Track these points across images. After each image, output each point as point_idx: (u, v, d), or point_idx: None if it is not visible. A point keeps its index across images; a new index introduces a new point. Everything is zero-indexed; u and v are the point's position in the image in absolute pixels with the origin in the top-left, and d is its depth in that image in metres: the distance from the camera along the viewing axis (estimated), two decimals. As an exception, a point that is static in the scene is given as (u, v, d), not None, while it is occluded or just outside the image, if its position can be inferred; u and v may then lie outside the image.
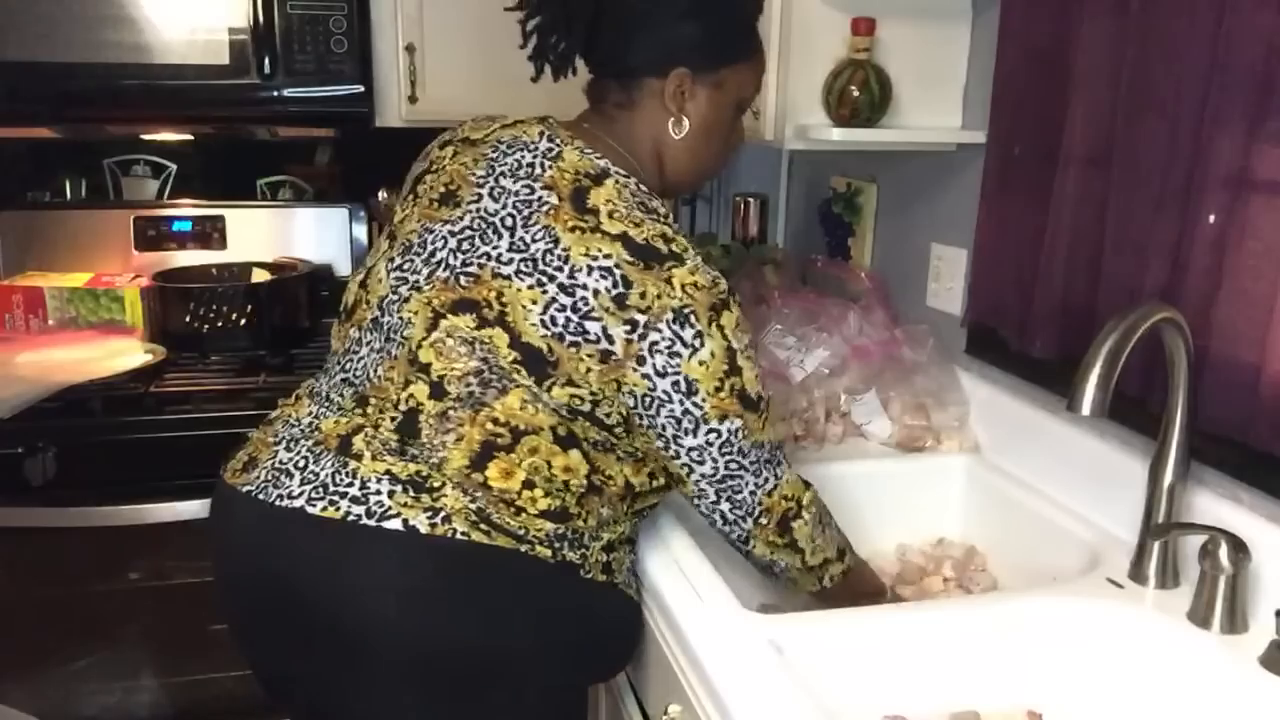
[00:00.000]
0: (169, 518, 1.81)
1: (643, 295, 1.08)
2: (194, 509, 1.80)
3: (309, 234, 2.43)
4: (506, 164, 1.17)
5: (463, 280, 1.12)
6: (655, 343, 1.08)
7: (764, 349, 1.70)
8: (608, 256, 1.09)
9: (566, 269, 1.09)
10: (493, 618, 1.09)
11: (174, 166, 2.54)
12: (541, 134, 1.19)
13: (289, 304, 2.24)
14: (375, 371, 1.16)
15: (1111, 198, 1.28)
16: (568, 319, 1.08)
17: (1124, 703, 1.13)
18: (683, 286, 1.08)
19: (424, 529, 1.05)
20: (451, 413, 1.10)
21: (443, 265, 1.15)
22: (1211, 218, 1.14)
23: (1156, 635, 1.12)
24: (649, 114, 1.21)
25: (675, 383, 1.09)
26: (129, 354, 2.01)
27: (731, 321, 1.11)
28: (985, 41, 1.56)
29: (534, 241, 1.11)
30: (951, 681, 1.13)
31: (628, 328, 1.08)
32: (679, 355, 1.08)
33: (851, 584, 1.31)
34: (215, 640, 1.89)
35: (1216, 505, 1.18)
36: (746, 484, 1.17)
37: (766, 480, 1.19)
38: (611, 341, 1.08)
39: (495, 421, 1.09)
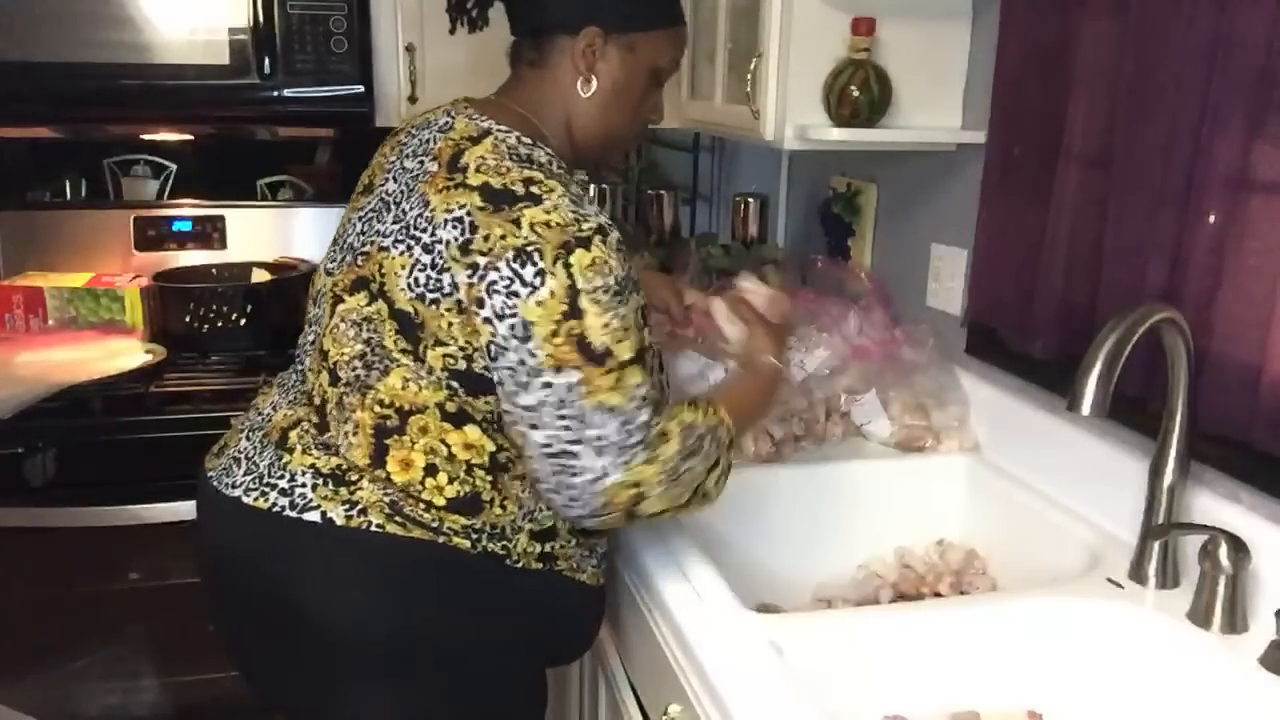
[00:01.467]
0: (169, 518, 1.81)
1: (486, 238, 1.04)
2: (194, 509, 1.80)
3: (309, 234, 2.43)
4: (411, 146, 1.20)
5: (359, 260, 1.15)
6: (494, 283, 1.03)
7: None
8: (461, 206, 1.07)
9: (429, 228, 1.08)
10: (412, 606, 1.10)
11: (174, 166, 2.54)
12: (445, 111, 1.21)
13: (289, 304, 2.24)
14: (308, 365, 1.21)
15: (1111, 198, 1.28)
16: (428, 277, 1.07)
17: (1124, 703, 1.13)
18: (531, 225, 1.04)
19: (340, 521, 1.08)
20: (345, 399, 1.12)
21: (349, 250, 1.18)
22: (1211, 218, 1.14)
23: (1156, 635, 1.12)
24: (559, 72, 1.19)
25: (512, 325, 1.03)
26: (129, 354, 2.01)
27: (583, 260, 1.03)
28: (985, 41, 1.56)
29: (410, 210, 1.12)
30: (951, 681, 1.13)
31: (469, 271, 1.05)
32: (517, 295, 1.03)
33: (749, 428, 1.25)
34: (215, 640, 1.89)
35: (1216, 505, 1.18)
36: (584, 468, 1.06)
37: (606, 472, 1.06)
38: (457, 289, 1.05)
39: (381, 404, 1.10)
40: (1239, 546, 1.08)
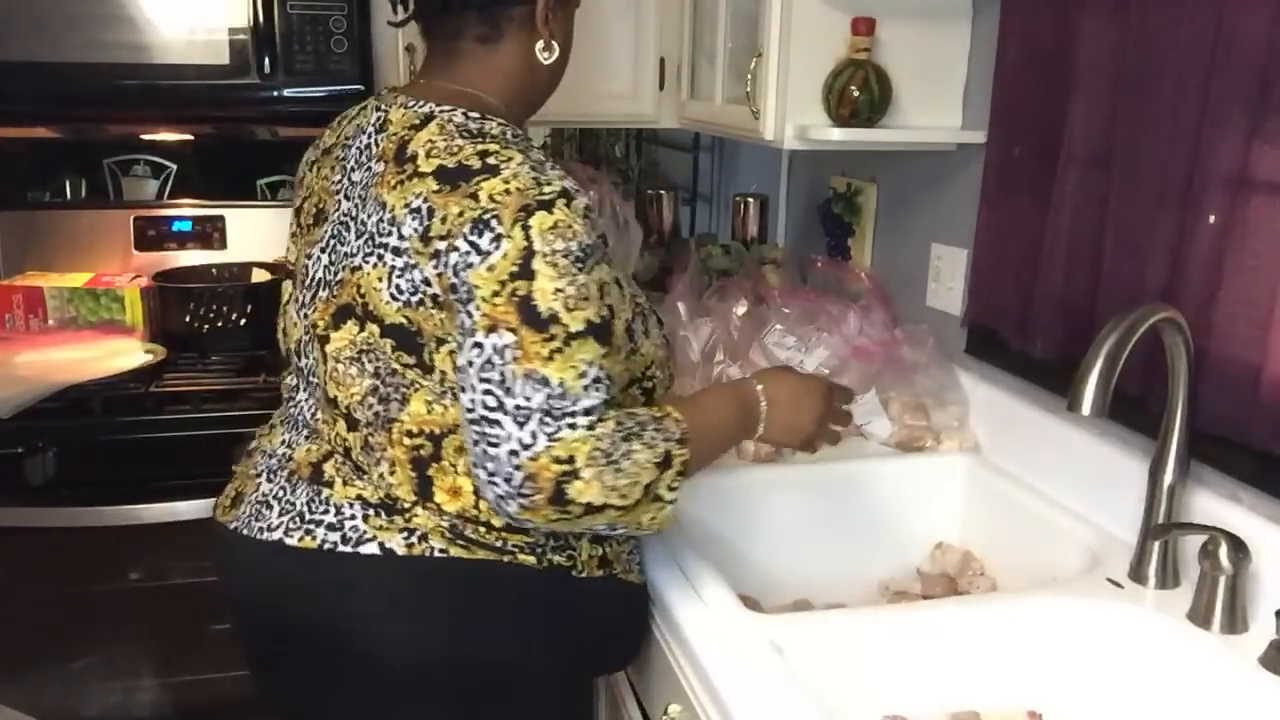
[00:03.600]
0: (169, 518, 1.81)
1: (444, 219, 0.98)
2: (194, 509, 1.79)
3: (309, 234, 2.42)
4: (352, 157, 1.13)
5: (334, 289, 1.08)
6: (456, 264, 0.97)
7: (764, 349, 1.70)
8: (418, 195, 1.00)
9: (394, 230, 1.02)
10: (481, 629, 1.07)
11: (174, 166, 2.54)
12: (374, 109, 1.14)
13: (289, 304, 2.24)
14: (315, 416, 1.14)
15: (1111, 198, 1.28)
16: (408, 281, 1.01)
17: (1124, 703, 1.13)
18: (490, 196, 0.97)
19: (400, 550, 1.04)
20: (371, 440, 1.07)
21: (321, 285, 1.11)
22: (1211, 218, 1.13)
23: (1156, 635, 1.12)
24: (517, 40, 1.14)
25: (459, 291, 0.97)
26: (129, 354, 2.01)
27: (544, 223, 0.96)
28: (985, 41, 1.56)
29: (369, 218, 1.05)
30: (951, 681, 1.13)
31: (433, 262, 0.98)
32: (473, 265, 0.96)
33: (712, 443, 1.11)
34: (215, 640, 1.89)
35: (1216, 505, 1.18)
36: (504, 437, 0.94)
37: (535, 438, 0.94)
38: (429, 283, 0.99)
39: (410, 434, 1.04)
40: (1239, 546, 1.08)
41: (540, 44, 1.14)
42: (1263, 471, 1.13)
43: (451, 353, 1.01)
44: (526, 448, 0.94)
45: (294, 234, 1.23)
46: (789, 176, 2.36)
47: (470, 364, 0.96)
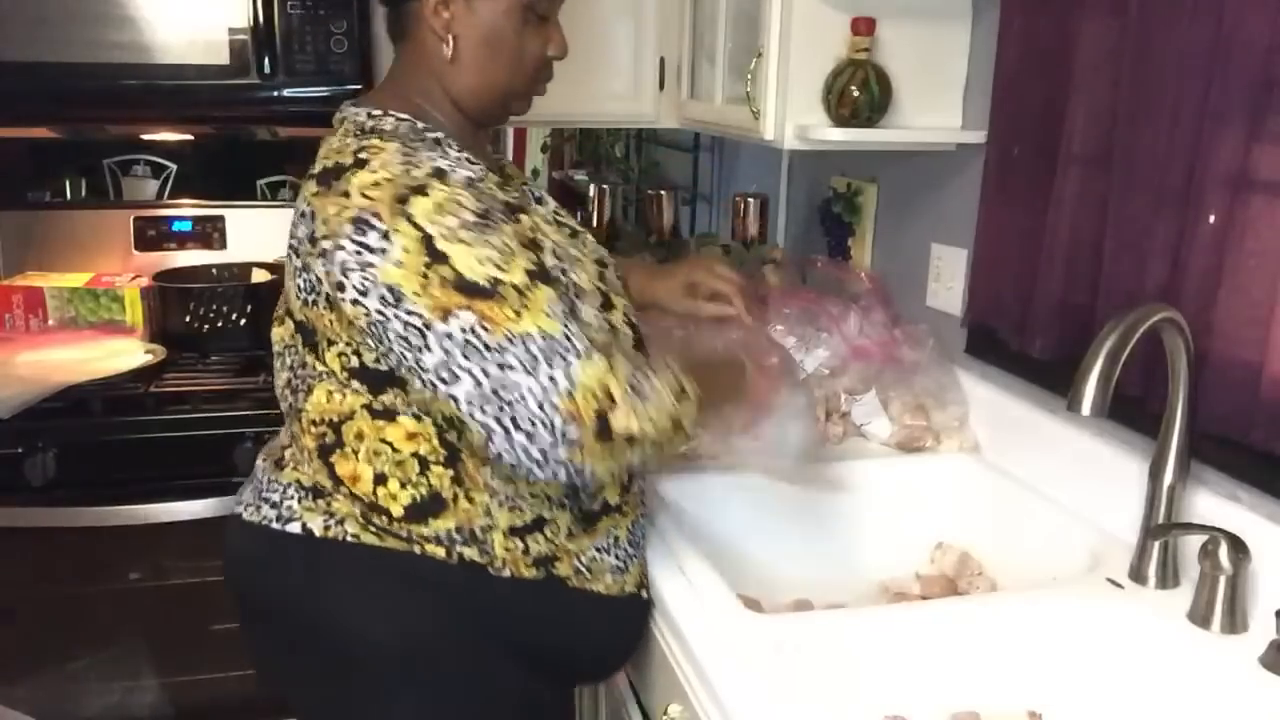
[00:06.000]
0: (169, 518, 1.81)
1: (325, 221, 0.99)
2: (194, 509, 1.80)
3: (309, 234, 2.42)
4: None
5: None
6: (345, 263, 0.97)
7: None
8: (305, 200, 1.04)
9: (294, 234, 1.07)
10: (389, 615, 1.08)
11: (174, 166, 2.54)
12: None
13: (289, 304, 2.24)
14: None
15: (1111, 198, 1.28)
16: (305, 280, 1.05)
17: (1124, 703, 1.13)
18: (361, 192, 0.97)
19: (318, 532, 1.08)
20: (293, 428, 1.13)
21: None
22: (1211, 218, 1.13)
23: (1156, 635, 1.12)
24: (420, 42, 1.12)
25: (381, 297, 0.96)
26: (129, 354, 2.01)
27: (424, 206, 0.96)
28: (985, 41, 1.56)
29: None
30: (951, 681, 1.13)
31: (321, 261, 1.00)
32: (372, 265, 0.96)
33: (718, 396, 1.12)
34: (215, 640, 1.89)
35: (1216, 505, 1.18)
36: (526, 393, 0.93)
37: (553, 380, 0.93)
38: (320, 282, 1.02)
39: (314, 423, 1.08)
40: (1239, 546, 1.08)
41: (441, 42, 1.11)
42: (1263, 471, 1.13)
43: (340, 354, 1.05)
44: (550, 390, 0.93)
45: None
46: (789, 176, 2.36)
47: (448, 353, 0.95)
